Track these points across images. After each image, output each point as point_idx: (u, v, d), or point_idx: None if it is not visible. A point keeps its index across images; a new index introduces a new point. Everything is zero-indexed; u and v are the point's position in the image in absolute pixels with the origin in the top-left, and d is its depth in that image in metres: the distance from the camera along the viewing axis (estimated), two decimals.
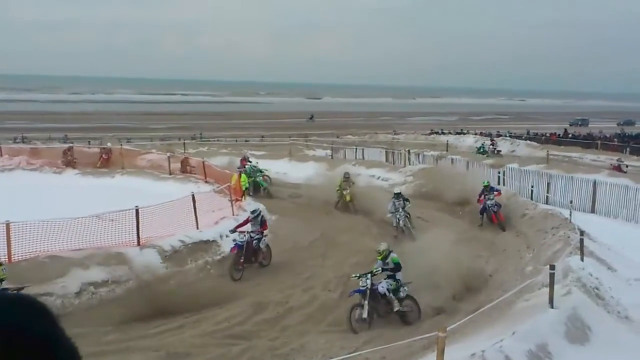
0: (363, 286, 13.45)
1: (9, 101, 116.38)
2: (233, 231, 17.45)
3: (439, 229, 19.29)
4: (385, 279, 13.91)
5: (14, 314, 0.98)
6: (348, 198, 25.18)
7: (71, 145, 32.87)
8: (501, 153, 45.33)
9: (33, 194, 22.63)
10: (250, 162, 30.67)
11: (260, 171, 28.24)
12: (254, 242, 17.18)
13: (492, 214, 21.62)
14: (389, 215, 21.32)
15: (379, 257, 14.27)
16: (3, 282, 12.65)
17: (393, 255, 14.35)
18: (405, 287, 13.90)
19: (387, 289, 13.60)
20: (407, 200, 21.69)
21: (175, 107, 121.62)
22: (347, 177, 26.06)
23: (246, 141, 53.69)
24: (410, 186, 28.77)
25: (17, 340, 0.94)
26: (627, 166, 39.23)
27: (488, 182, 23.10)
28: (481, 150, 45.61)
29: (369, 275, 13.62)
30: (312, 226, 21.84)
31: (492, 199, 21.78)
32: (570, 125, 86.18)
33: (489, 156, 42.12)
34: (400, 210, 21.13)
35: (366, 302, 13.28)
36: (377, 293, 13.50)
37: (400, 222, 21.04)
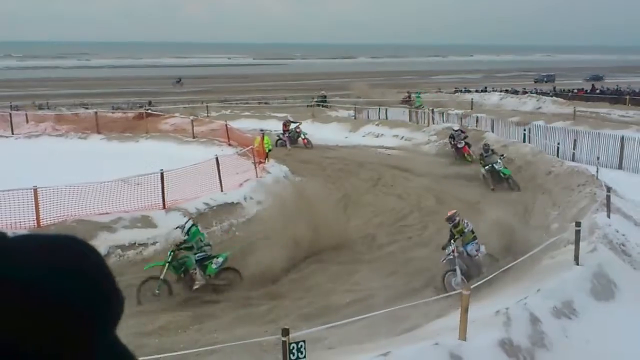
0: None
1: (37, 68, 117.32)
2: None
3: None
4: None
5: (76, 253, 0.87)
6: None
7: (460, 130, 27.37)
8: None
9: (59, 160, 22.86)
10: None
11: (502, 156, 22.49)
12: None
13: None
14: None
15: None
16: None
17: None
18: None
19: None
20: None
21: (201, 70, 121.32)
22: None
23: (266, 103, 53.47)
24: (434, 145, 28.57)
25: (83, 281, 0.86)
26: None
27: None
28: None
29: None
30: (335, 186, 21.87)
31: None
32: (535, 82, 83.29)
33: None
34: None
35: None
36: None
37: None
